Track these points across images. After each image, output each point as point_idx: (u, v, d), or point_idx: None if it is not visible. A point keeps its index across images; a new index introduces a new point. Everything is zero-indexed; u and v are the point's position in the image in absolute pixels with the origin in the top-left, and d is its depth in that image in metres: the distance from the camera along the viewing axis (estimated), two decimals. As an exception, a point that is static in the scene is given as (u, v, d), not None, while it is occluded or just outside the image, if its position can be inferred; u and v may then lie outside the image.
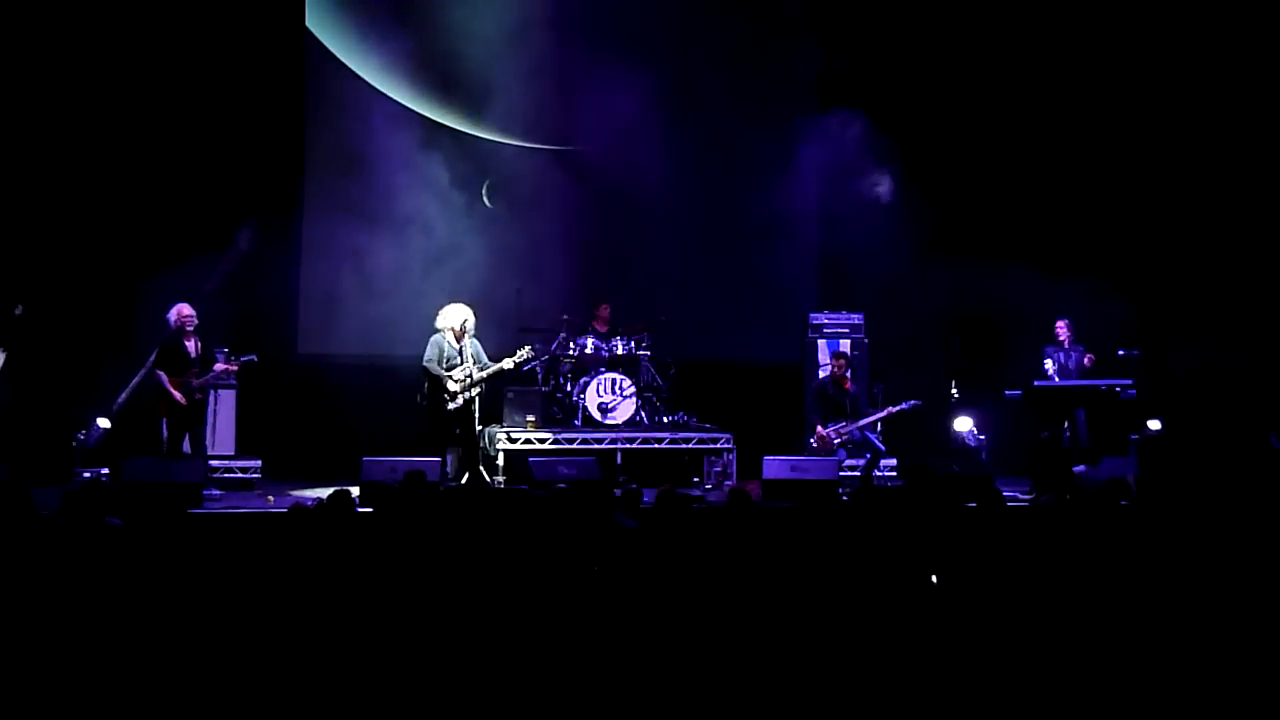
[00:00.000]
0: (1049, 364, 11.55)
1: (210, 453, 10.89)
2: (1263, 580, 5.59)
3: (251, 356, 10.73)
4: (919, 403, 11.26)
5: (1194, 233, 12.48)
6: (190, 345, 10.40)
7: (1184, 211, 12.52)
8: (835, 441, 11.20)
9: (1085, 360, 11.55)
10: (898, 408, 11.26)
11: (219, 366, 10.57)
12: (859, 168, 12.44)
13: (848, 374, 11.55)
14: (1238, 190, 12.41)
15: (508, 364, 10.71)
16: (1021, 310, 12.20)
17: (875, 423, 11.40)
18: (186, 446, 10.46)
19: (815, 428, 11.29)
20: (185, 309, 10.43)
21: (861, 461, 11.22)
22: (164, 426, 10.50)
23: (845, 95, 12.69)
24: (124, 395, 10.72)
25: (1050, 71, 12.63)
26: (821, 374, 12.08)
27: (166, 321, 10.42)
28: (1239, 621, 5.17)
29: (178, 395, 10.25)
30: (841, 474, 10.81)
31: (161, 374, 10.30)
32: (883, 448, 11.33)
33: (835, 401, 11.37)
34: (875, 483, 11.39)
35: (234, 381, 11.34)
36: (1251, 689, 4.74)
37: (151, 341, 10.51)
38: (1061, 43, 12.66)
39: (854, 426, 11.24)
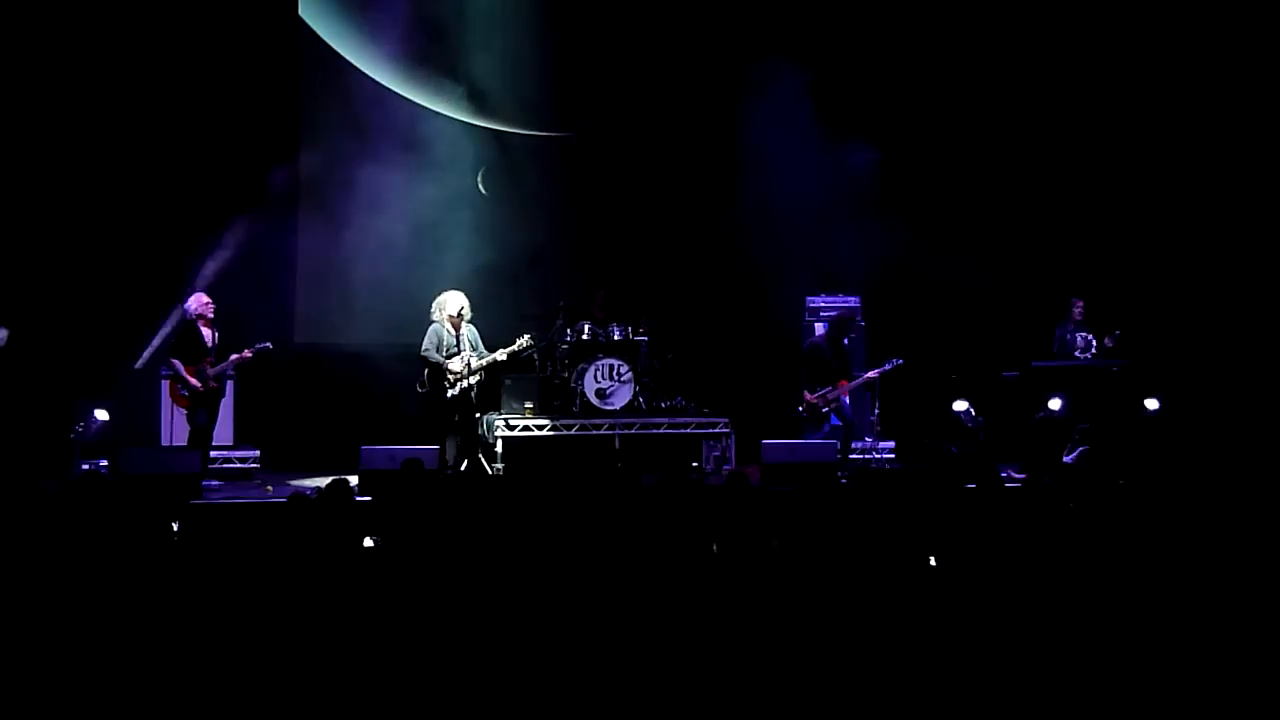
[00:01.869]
0: (1080, 339, 11.53)
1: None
2: (1259, 560, 5.60)
3: (266, 344, 10.73)
4: (900, 361, 11.16)
5: (1193, 214, 12.50)
6: (207, 334, 10.47)
7: (1183, 193, 12.53)
8: (823, 409, 11.14)
9: (1106, 340, 11.56)
10: (879, 370, 11.20)
11: (234, 355, 10.57)
12: (853, 149, 12.47)
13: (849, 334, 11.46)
14: (1239, 169, 12.43)
15: (501, 355, 10.75)
16: (1018, 290, 12.24)
17: (862, 385, 11.32)
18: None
19: (804, 395, 11.18)
20: (204, 298, 10.59)
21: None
22: (165, 419, 10.56)
23: (843, 71, 12.75)
24: (145, 355, 10.72)
25: (1048, 48, 12.61)
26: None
27: (184, 310, 10.55)
28: (1236, 603, 5.18)
29: (195, 381, 10.30)
30: (830, 440, 10.83)
31: (177, 361, 10.36)
32: (854, 420, 11.30)
33: (829, 365, 11.23)
34: (873, 465, 11.42)
35: (232, 372, 11.36)
36: (1248, 668, 4.76)
37: (147, 330, 10.55)
38: (1052, 11, 12.65)
39: (840, 391, 11.17)
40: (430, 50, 12.38)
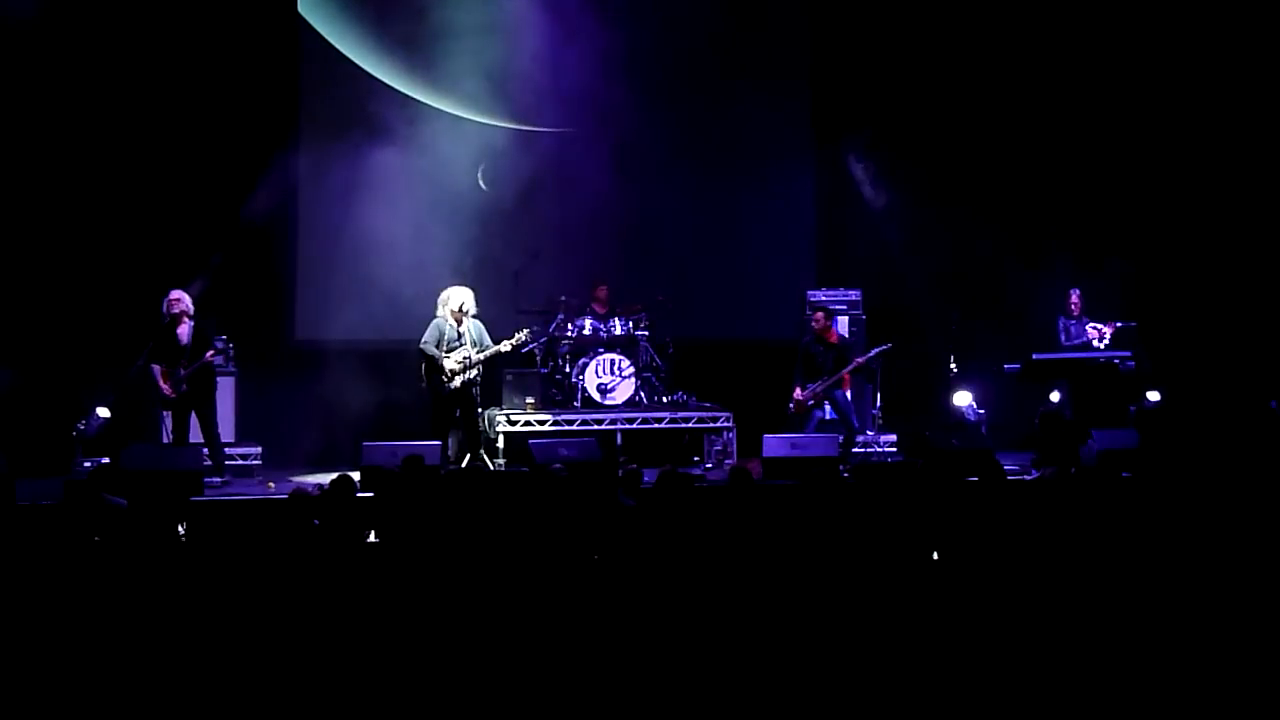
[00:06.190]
0: (1092, 331, 11.50)
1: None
2: (1263, 551, 5.59)
3: (218, 358, 10.56)
4: (889, 345, 11.11)
5: (1193, 203, 12.48)
6: (182, 332, 10.24)
7: (1183, 180, 12.51)
8: (810, 404, 11.08)
9: (1105, 329, 11.52)
10: (866, 356, 11.14)
11: (207, 354, 10.36)
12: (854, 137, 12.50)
13: (833, 325, 11.34)
14: (1237, 158, 12.40)
15: (505, 346, 10.74)
16: (1018, 282, 12.23)
17: (854, 370, 11.25)
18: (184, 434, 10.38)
19: (794, 392, 11.11)
20: (174, 294, 10.28)
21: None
22: (167, 417, 10.49)
23: (839, 65, 12.73)
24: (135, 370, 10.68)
25: (1047, 35, 12.58)
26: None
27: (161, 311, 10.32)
28: (1240, 593, 5.17)
29: (165, 388, 10.16)
30: (832, 434, 10.79)
31: (155, 367, 10.20)
32: (856, 424, 11.26)
33: (818, 361, 11.13)
34: (875, 459, 11.39)
35: (233, 368, 11.35)
36: (1251, 662, 4.75)
37: (147, 329, 10.50)
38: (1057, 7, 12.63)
39: (829, 383, 11.11)
40: (430, 44, 12.35)
